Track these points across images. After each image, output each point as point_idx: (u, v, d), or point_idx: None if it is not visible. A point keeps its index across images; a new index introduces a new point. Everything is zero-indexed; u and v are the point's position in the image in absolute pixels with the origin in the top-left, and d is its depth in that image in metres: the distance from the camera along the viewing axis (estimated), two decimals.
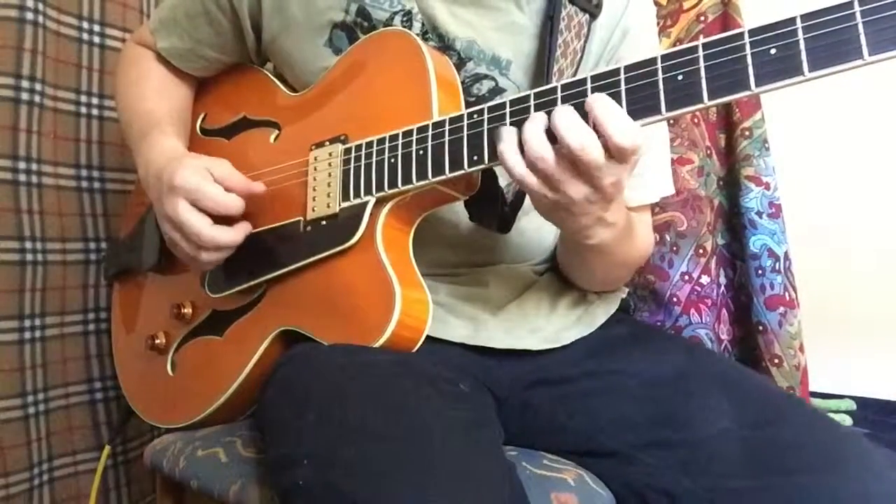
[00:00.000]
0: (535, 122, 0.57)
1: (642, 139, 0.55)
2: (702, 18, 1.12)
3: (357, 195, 0.70)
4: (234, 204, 0.72)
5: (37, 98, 1.02)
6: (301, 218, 0.74)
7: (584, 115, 0.56)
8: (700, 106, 0.54)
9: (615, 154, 0.55)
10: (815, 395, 1.27)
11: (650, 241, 0.85)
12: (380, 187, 0.68)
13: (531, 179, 0.58)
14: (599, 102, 0.55)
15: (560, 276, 0.85)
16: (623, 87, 0.56)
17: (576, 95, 0.58)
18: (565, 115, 0.56)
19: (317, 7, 0.77)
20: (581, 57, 0.76)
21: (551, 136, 0.56)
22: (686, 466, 0.64)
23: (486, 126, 0.62)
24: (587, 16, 0.76)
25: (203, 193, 0.71)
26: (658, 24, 1.12)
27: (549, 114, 0.57)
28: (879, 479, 0.58)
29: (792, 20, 0.50)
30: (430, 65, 0.69)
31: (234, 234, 0.73)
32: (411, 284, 0.68)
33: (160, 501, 0.83)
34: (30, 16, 0.99)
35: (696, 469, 0.64)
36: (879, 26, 0.47)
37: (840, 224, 1.45)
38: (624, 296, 0.87)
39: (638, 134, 0.55)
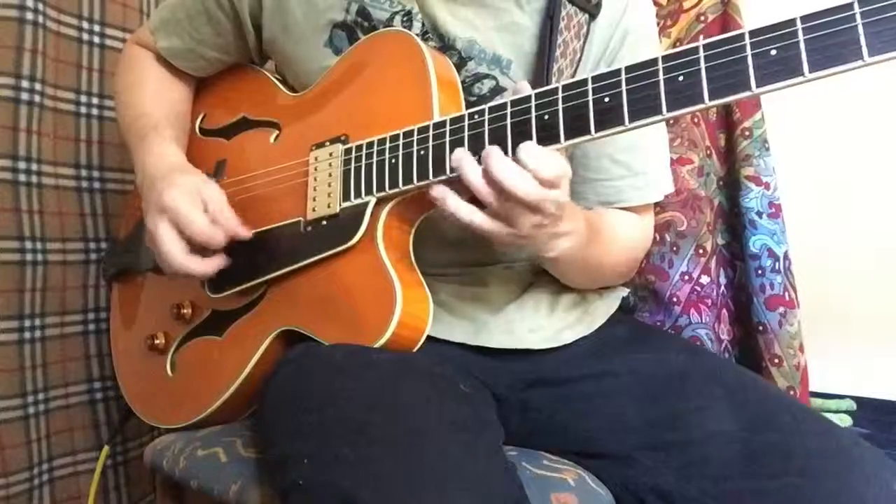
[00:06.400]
0: (474, 171, 0.60)
1: (563, 168, 0.59)
2: (702, 18, 1.12)
3: (358, 195, 0.70)
4: (216, 239, 0.72)
5: (37, 98, 1.02)
6: (301, 218, 0.74)
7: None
8: (701, 107, 0.54)
9: (546, 184, 0.58)
10: (815, 395, 1.27)
11: (642, 237, 0.84)
12: (381, 187, 0.68)
13: (489, 225, 0.61)
14: (524, 148, 0.59)
15: None
16: (624, 87, 0.56)
17: (576, 97, 0.58)
18: (497, 158, 0.59)
19: (317, 7, 0.77)
20: (580, 56, 0.76)
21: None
22: (684, 468, 0.64)
23: (486, 126, 0.62)
24: (586, 15, 0.76)
25: (187, 221, 0.70)
26: (658, 24, 1.11)
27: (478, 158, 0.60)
28: (876, 483, 0.58)
29: (792, 21, 0.50)
30: (430, 65, 0.69)
31: (205, 267, 0.73)
32: (412, 284, 0.69)
33: (160, 501, 0.83)
34: (30, 16, 0.99)
35: (695, 471, 0.64)
36: (879, 27, 0.47)
37: (840, 224, 1.45)
38: (625, 294, 0.87)
39: (558, 165, 0.59)
